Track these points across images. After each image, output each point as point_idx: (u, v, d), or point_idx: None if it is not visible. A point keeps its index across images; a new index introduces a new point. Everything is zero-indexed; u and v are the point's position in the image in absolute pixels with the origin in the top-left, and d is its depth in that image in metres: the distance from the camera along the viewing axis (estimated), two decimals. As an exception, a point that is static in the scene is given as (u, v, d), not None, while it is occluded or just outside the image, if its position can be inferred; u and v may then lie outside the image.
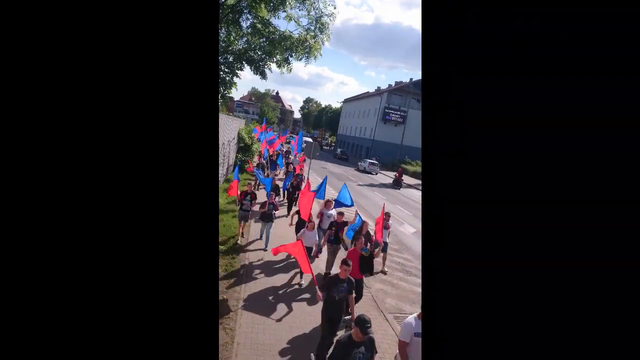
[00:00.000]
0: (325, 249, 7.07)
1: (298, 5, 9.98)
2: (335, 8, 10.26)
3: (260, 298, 5.64)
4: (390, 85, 46.42)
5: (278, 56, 10.16)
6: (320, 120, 70.09)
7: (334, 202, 7.86)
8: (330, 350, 3.53)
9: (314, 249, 6.83)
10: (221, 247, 7.16)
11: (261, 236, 7.93)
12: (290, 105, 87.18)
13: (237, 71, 10.87)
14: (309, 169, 12.08)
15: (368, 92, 53.56)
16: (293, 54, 10.13)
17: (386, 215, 7.66)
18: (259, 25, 9.79)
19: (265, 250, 7.53)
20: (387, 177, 26.80)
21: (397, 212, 14.06)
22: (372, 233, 6.92)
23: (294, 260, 6.69)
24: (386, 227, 7.65)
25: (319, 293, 4.37)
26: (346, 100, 55.65)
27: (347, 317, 4.56)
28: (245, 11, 9.96)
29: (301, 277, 6.42)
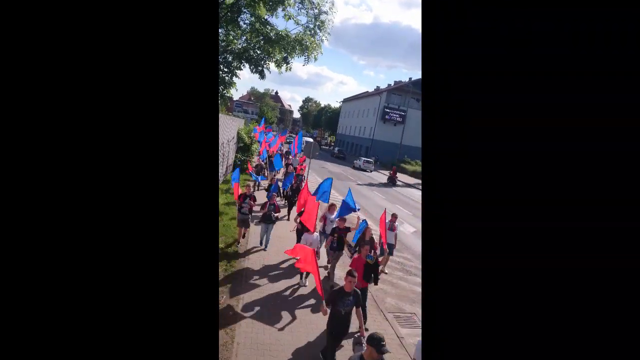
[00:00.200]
0: (325, 253, 7.02)
1: (297, 3, 9.97)
2: (333, 5, 10.26)
3: (260, 300, 5.64)
4: (389, 85, 46.45)
5: (277, 56, 10.13)
6: (319, 119, 70.01)
7: (338, 206, 7.53)
8: None
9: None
10: (221, 251, 7.11)
11: (261, 242, 7.62)
12: (290, 105, 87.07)
13: (236, 71, 10.85)
14: (308, 168, 12.07)
15: (367, 91, 53.58)
16: (292, 54, 10.09)
17: (392, 217, 7.61)
18: (258, 25, 9.77)
19: (264, 250, 7.51)
20: (384, 175, 27.60)
21: (397, 211, 14.01)
22: (375, 237, 6.77)
23: (294, 261, 6.68)
24: (392, 228, 7.53)
25: (324, 307, 4.05)
26: (345, 100, 55.61)
27: (357, 333, 4.19)
28: (244, 10, 9.93)
29: (301, 277, 6.42)
